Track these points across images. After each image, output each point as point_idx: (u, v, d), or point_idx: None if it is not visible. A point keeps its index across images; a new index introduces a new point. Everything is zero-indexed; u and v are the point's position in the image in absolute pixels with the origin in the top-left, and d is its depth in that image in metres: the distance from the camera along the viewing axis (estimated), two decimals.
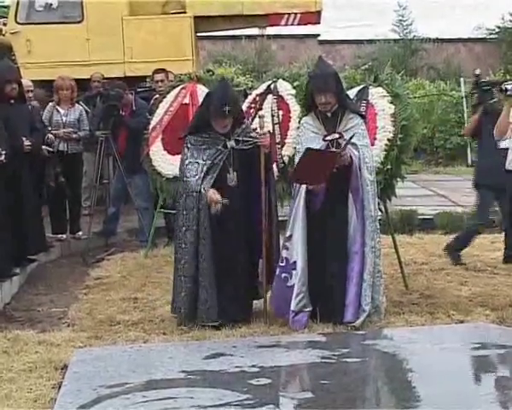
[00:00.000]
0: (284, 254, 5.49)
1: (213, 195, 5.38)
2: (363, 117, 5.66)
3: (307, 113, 5.71)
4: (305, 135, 5.60)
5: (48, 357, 4.81)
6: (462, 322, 5.60)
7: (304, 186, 5.44)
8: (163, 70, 9.20)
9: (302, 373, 4.73)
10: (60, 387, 4.32)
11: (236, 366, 4.58)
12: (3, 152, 6.43)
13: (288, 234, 5.49)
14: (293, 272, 5.44)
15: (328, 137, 5.50)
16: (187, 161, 5.51)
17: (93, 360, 4.77)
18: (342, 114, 5.52)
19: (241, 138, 5.53)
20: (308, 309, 5.42)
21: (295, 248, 5.44)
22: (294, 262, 5.44)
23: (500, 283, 6.65)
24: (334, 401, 4.08)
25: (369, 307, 5.41)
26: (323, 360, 4.69)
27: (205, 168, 5.45)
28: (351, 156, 5.36)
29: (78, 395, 4.15)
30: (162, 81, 9.04)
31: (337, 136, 5.46)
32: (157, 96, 8.78)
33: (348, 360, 4.71)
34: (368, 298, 5.40)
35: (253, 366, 4.57)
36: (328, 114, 5.52)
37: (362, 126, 5.55)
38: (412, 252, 7.84)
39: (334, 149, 5.39)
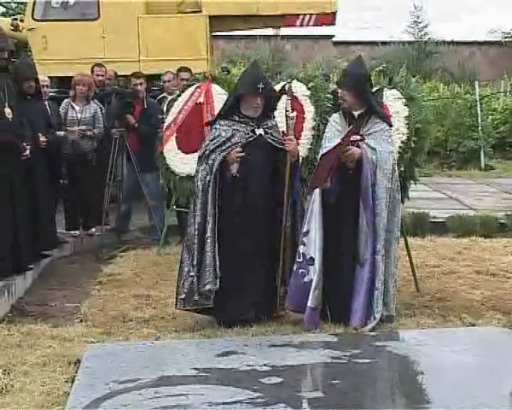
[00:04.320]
0: (301, 249, 5.46)
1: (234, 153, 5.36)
2: (390, 125, 5.67)
3: (336, 110, 5.87)
4: (330, 130, 5.68)
5: (61, 351, 4.85)
6: (473, 325, 5.60)
7: None
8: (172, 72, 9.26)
9: (313, 373, 4.75)
10: (73, 381, 4.36)
11: (248, 365, 4.60)
12: (28, 147, 6.50)
13: (305, 229, 5.48)
14: (310, 267, 5.43)
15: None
16: (213, 140, 5.43)
17: (106, 355, 4.81)
18: (369, 118, 5.54)
19: (269, 132, 5.53)
20: (320, 306, 5.43)
21: (312, 244, 5.43)
22: (311, 258, 5.43)
23: None
24: (345, 400, 4.10)
25: (380, 315, 5.40)
26: (334, 360, 4.70)
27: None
28: (361, 155, 5.38)
29: (91, 390, 4.19)
30: (169, 81, 9.12)
31: (358, 138, 5.45)
32: (164, 95, 8.88)
33: (359, 360, 4.72)
34: (379, 306, 5.40)
35: (265, 364, 4.59)
36: (355, 114, 5.55)
37: (386, 133, 5.56)
38: (424, 255, 7.83)
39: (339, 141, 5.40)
